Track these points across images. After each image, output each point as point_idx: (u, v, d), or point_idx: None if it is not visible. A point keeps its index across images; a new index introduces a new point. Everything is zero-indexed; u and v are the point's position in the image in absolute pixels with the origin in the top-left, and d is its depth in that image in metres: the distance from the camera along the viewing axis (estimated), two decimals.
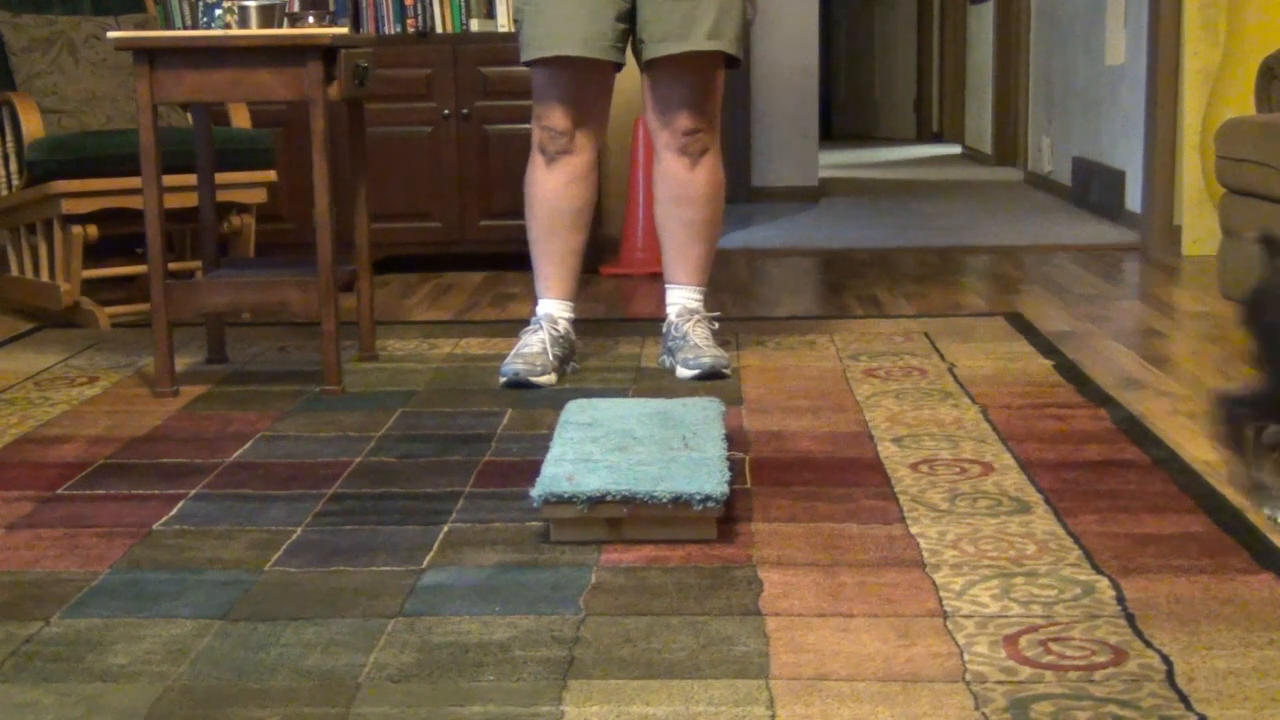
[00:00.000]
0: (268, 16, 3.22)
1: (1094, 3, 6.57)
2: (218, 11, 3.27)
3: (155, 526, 2.31)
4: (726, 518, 2.25)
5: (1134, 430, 2.78)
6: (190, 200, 3.92)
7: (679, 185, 3.40)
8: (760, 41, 7.01)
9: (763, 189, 7.18)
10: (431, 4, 5.02)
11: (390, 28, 5.04)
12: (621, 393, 3.17)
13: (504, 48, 4.84)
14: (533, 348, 3.30)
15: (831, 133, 12.15)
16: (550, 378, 3.26)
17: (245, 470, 2.62)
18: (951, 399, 3.06)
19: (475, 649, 1.80)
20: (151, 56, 3.11)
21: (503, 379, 3.25)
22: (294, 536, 2.25)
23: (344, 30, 3.21)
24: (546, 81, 3.33)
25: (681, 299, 3.45)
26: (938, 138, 11.56)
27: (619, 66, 3.35)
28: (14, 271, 4.34)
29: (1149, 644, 1.78)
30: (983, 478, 2.50)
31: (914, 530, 2.23)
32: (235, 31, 3.18)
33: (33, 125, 4.10)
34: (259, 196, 4.32)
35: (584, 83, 3.33)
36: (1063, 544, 2.15)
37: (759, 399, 3.09)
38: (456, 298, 4.58)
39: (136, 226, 3.45)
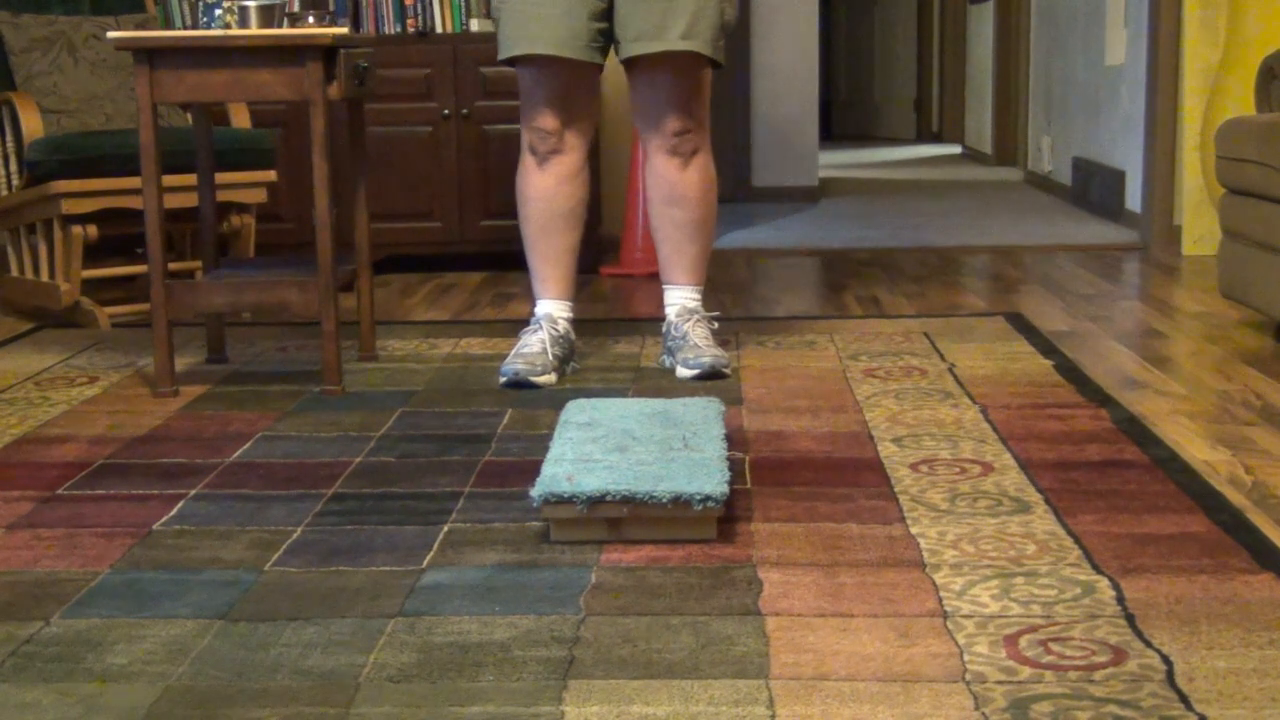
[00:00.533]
0: (268, 16, 3.22)
1: (1094, 3, 6.57)
2: (218, 11, 3.27)
3: (155, 526, 2.31)
4: (726, 518, 2.25)
5: (1134, 430, 2.78)
6: (190, 200, 3.93)
7: (671, 186, 3.40)
8: (760, 41, 7.01)
9: (763, 189, 7.18)
10: (431, 4, 5.03)
11: (390, 28, 5.04)
12: (621, 393, 3.17)
13: None
14: (533, 347, 3.30)
15: (831, 133, 12.15)
16: (550, 378, 3.26)
17: (245, 470, 2.62)
18: (951, 399, 3.06)
19: (475, 649, 1.80)
20: (151, 56, 3.11)
21: (503, 379, 3.25)
22: (294, 536, 2.25)
23: (344, 30, 3.21)
24: (532, 83, 3.33)
25: (680, 299, 3.45)
26: (937, 138, 11.55)
27: (600, 68, 3.35)
28: (14, 271, 4.34)
29: (1149, 644, 1.78)
30: (983, 478, 2.50)
31: (914, 530, 2.23)
32: (235, 32, 3.18)
33: (33, 125, 4.10)
34: (259, 196, 4.32)
35: (568, 82, 3.33)
36: (1063, 544, 2.15)
37: (759, 399, 3.09)
38: (456, 298, 4.58)
39: (136, 226, 3.45)
